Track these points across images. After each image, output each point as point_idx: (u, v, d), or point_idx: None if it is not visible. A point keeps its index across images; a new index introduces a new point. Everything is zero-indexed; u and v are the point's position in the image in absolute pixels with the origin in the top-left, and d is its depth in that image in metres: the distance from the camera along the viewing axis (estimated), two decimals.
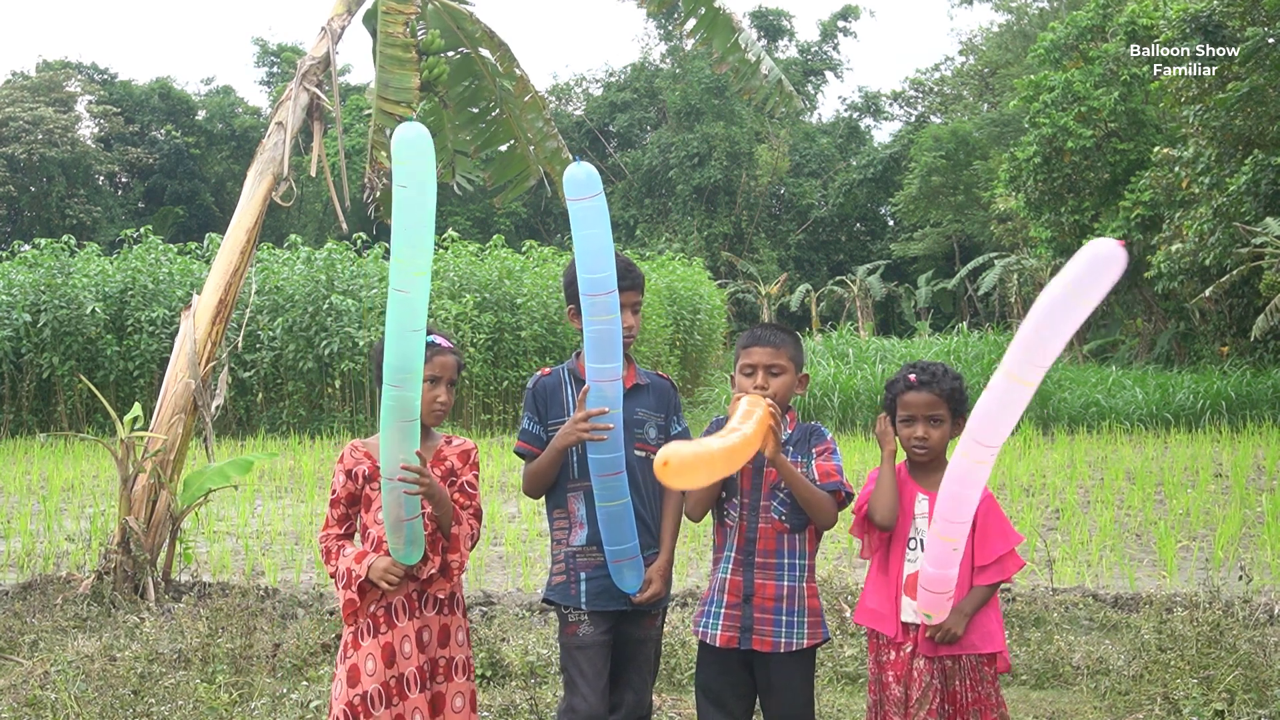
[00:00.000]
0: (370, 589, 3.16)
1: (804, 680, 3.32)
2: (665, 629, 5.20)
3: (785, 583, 3.26)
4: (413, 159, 2.89)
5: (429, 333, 3.26)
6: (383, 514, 3.07)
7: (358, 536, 3.33)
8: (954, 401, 3.26)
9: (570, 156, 7.83)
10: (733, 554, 3.29)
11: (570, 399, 3.44)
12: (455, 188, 8.17)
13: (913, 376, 3.26)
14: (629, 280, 3.36)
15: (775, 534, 3.27)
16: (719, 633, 3.28)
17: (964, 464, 2.83)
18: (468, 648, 3.31)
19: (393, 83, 6.52)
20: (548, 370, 3.57)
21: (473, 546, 3.29)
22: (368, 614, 3.17)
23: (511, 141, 7.92)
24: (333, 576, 3.24)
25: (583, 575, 3.40)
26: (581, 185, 3.17)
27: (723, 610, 3.28)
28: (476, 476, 3.35)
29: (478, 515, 3.31)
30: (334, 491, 3.30)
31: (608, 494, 3.26)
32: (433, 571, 3.19)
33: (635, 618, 3.45)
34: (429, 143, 2.92)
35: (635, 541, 3.31)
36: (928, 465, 3.27)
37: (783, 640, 3.24)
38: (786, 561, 3.27)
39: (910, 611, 3.19)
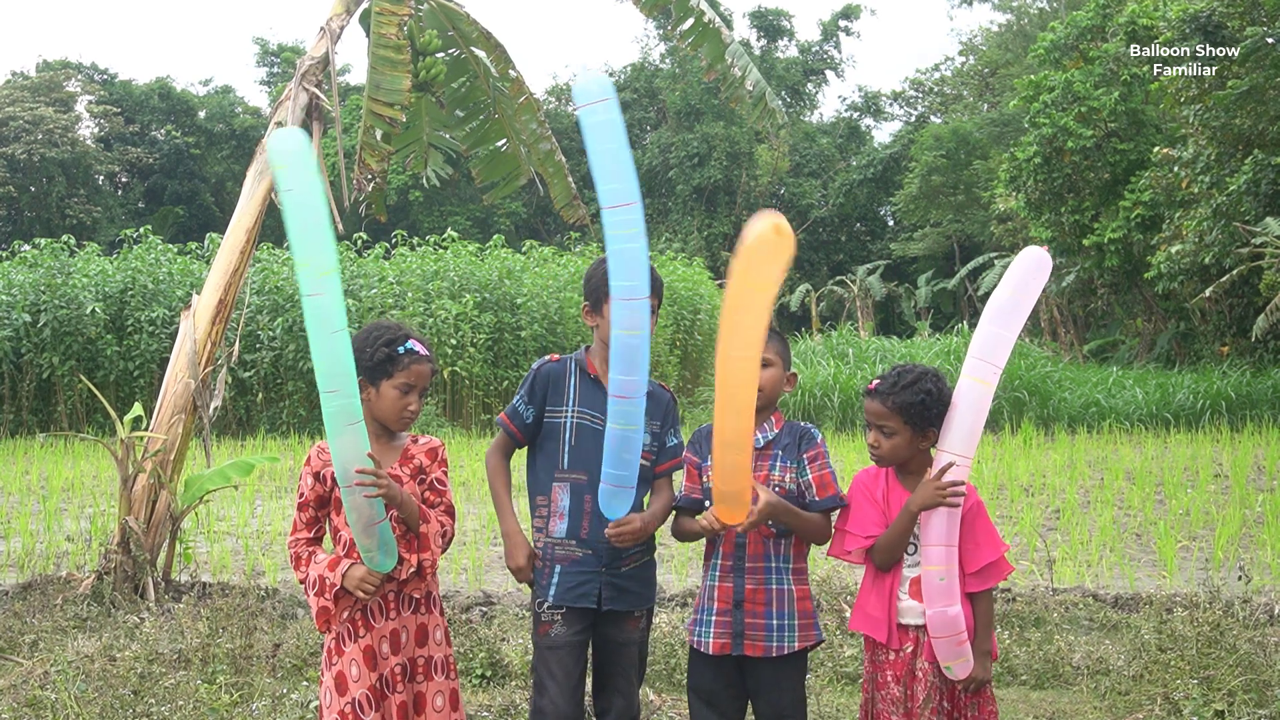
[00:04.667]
0: (344, 595, 3.13)
1: (795, 680, 3.32)
2: (665, 630, 5.21)
3: (774, 586, 3.26)
4: (290, 164, 2.89)
5: (408, 339, 3.22)
6: (349, 520, 3.03)
7: (328, 540, 3.29)
8: (908, 414, 3.17)
9: (563, 160, 7.89)
10: (720, 560, 3.30)
11: (574, 390, 3.44)
12: (424, 180, 8.47)
13: (873, 384, 3.26)
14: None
15: (762, 539, 3.27)
16: (712, 640, 3.28)
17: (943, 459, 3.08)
18: (447, 646, 3.27)
19: (384, 84, 6.52)
20: (556, 357, 3.55)
21: (446, 544, 3.25)
22: (341, 620, 3.14)
23: (503, 140, 7.94)
24: (302, 583, 3.20)
25: (558, 568, 3.37)
26: (589, 93, 2.99)
27: (714, 618, 3.28)
28: (445, 473, 3.31)
29: (449, 512, 3.27)
30: (301, 495, 3.24)
31: (622, 418, 3.12)
32: (411, 571, 3.16)
33: (615, 620, 3.42)
34: (305, 146, 2.94)
35: (634, 474, 3.19)
36: (915, 470, 3.23)
37: (774, 645, 3.25)
38: (775, 565, 3.28)
39: (909, 614, 3.16)
